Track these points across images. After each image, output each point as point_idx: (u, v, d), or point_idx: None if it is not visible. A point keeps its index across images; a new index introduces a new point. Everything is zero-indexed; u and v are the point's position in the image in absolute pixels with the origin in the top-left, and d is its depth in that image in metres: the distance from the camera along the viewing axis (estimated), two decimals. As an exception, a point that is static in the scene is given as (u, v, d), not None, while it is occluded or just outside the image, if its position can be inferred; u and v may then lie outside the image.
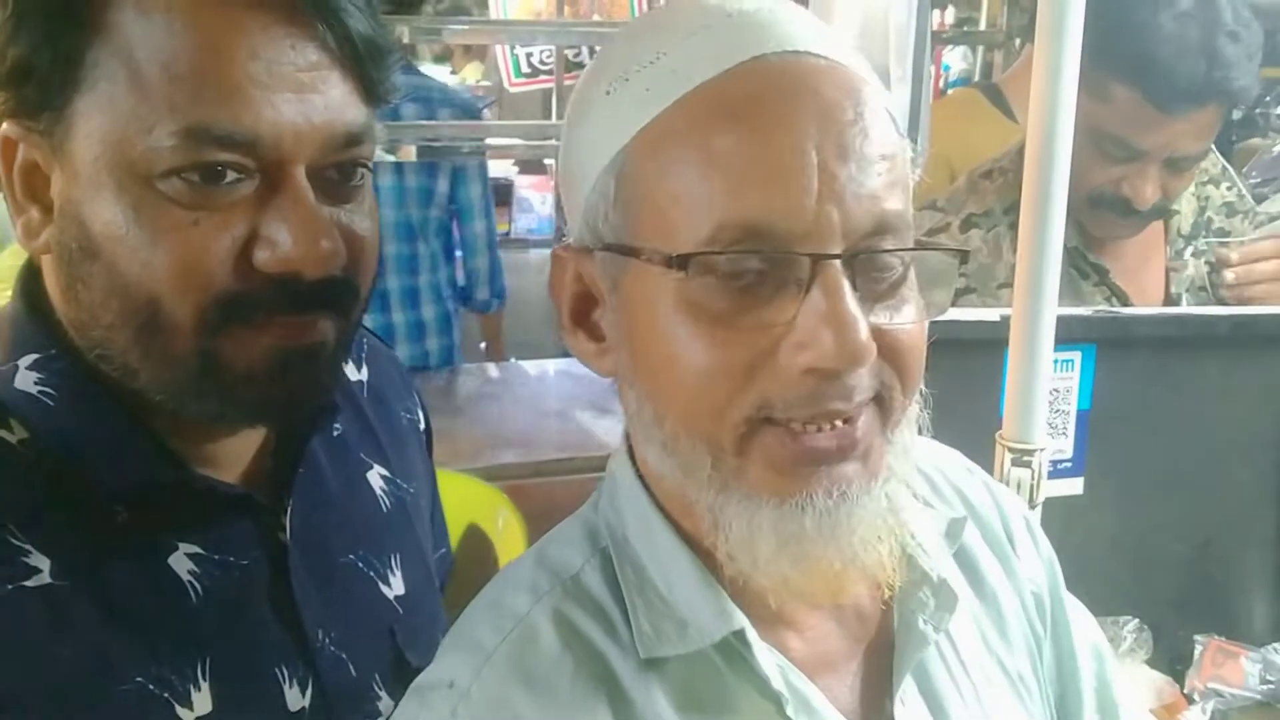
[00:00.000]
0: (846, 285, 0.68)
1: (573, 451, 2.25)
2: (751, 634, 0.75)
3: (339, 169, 0.82)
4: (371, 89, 0.84)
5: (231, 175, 0.77)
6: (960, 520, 0.86)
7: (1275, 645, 1.59)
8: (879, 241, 0.70)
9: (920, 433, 0.78)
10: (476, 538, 1.90)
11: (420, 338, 2.98)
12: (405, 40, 2.44)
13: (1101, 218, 1.73)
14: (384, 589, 0.99)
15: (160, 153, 0.76)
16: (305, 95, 0.78)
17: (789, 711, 0.75)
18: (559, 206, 3.04)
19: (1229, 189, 1.91)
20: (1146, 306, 1.82)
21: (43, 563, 0.78)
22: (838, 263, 0.68)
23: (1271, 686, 1.54)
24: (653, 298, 0.71)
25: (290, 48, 0.78)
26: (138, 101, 0.76)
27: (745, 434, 0.70)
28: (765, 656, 0.75)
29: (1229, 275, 1.78)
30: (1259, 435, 1.68)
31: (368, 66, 0.82)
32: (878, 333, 0.70)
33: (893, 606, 0.82)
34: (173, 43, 0.76)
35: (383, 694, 0.94)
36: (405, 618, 0.99)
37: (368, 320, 2.85)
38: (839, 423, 0.70)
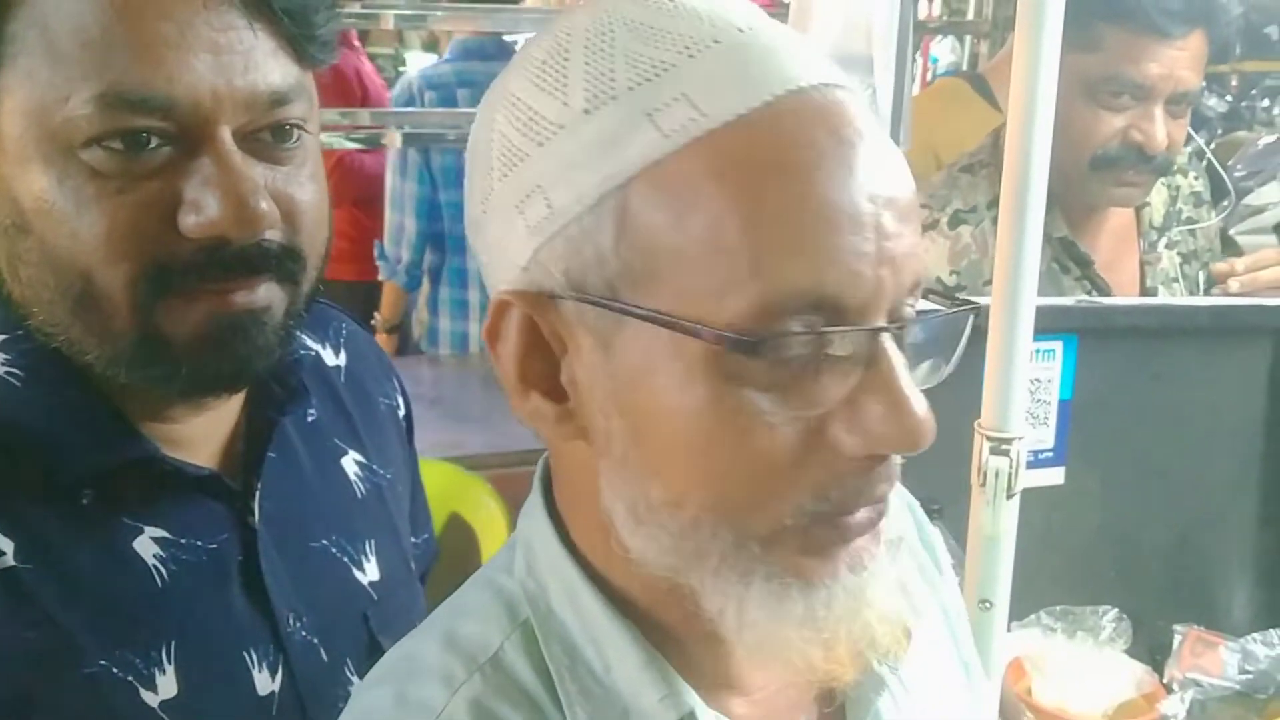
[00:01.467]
0: (900, 359, 0.60)
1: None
2: (702, 714, 0.67)
3: (272, 131, 0.81)
4: (299, 47, 0.81)
5: (154, 141, 0.76)
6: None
7: (1254, 635, 1.59)
8: (913, 299, 0.63)
9: None
10: (459, 527, 1.90)
11: None
12: (390, 26, 2.43)
13: (1104, 181, 1.73)
14: (357, 574, 0.98)
15: (78, 121, 0.75)
16: (222, 56, 0.77)
17: None
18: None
19: (1195, 178, 1.93)
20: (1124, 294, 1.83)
21: (6, 545, 0.77)
22: (891, 335, 0.60)
23: (1250, 676, 1.54)
24: (674, 369, 0.60)
25: (203, 6, 0.76)
26: (54, 71, 0.75)
27: (791, 527, 0.61)
28: None
29: (1234, 285, 1.80)
30: (1240, 425, 1.68)
31: (290, 24, 0.80)
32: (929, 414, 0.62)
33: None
34: (83, 7, 0.75)
35: (355, 679, 0.94)
36: (379, 603, 0.99)
37: (446, 295, 2.71)
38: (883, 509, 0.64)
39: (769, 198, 0.58)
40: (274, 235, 0.80)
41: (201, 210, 0.77)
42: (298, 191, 0.82)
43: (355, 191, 3.27)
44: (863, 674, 0.72)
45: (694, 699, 0.67)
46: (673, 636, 0.68)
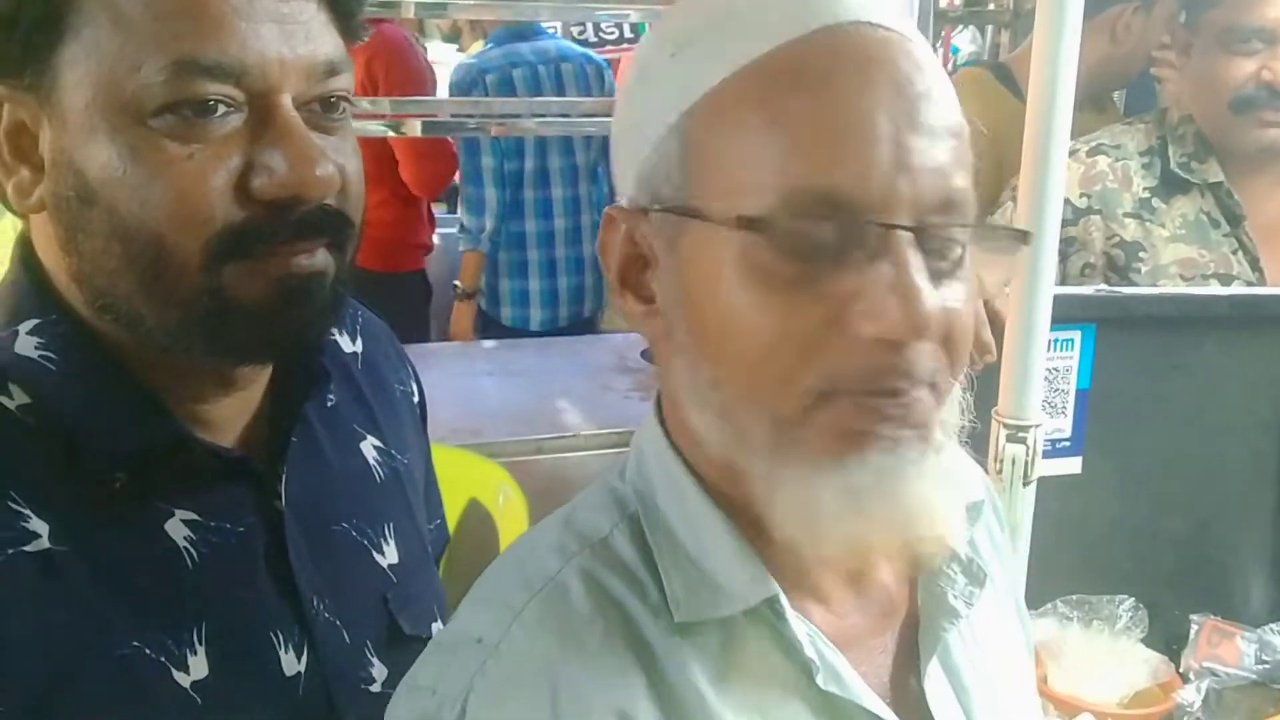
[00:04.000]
0: (915, 257, 0.67)
1: (574, 429, 2.25)
2: (785, 601, 0.75)
3: (321, 103, 0.84)
4: (344, 22, 0.86)
5: (222, 108, 0.79)
6: (979, 504, 0.86)
7: (1271, 625, 1.60)
8: (946, 217, 0.69)
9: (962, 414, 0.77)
10: (478, 513, 1.91)
11: (580, 271, 3.34)
12: (410, 15, 2.44)
13: (1248, 124, 1.81)
14: (377, 557, 0.99)
15: (151, 89, 0.77)
16: (286, 26, 0.80)
17: (819, 680, 0.75)
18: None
19: None
20: (1278, 279, 1.87)
21: (41, 528, 0.78)
22: (908, 234, 0.67)
23: (1267, 666, 1.55)
24: (715, 260, 0.70)
25: None
26: (124, 42, 0.77)
27: (810, 406, 0.69)
28: (797, 624, 0.75)
29: None
30: (1258, 416, 1.68)
31: (341, 1, 0.85)
32: (940, 310, 0.69)
33: (917, 585, 0.83)
34: None
35: (375, 660, 0.95)
36: (398, 586, 1.00)
37: (505, 258, 3.14)
38: (904, 401, 0.69)
39: (792, 112, 0.68)
40: (332, 200, 0.83)
41: (273, 173, 0.80)
42: (346, 160, 0.85)
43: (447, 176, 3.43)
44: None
45: (777, 587, 0.75)
46: (763, 535, 0.75)
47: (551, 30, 3.61)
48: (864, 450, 0.69)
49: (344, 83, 0.85)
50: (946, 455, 0.73)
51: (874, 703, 0.77)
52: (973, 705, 0.83)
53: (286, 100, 0.81)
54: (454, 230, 3.59)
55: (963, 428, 0.77)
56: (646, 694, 0.72)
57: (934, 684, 0.81)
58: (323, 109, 0.84)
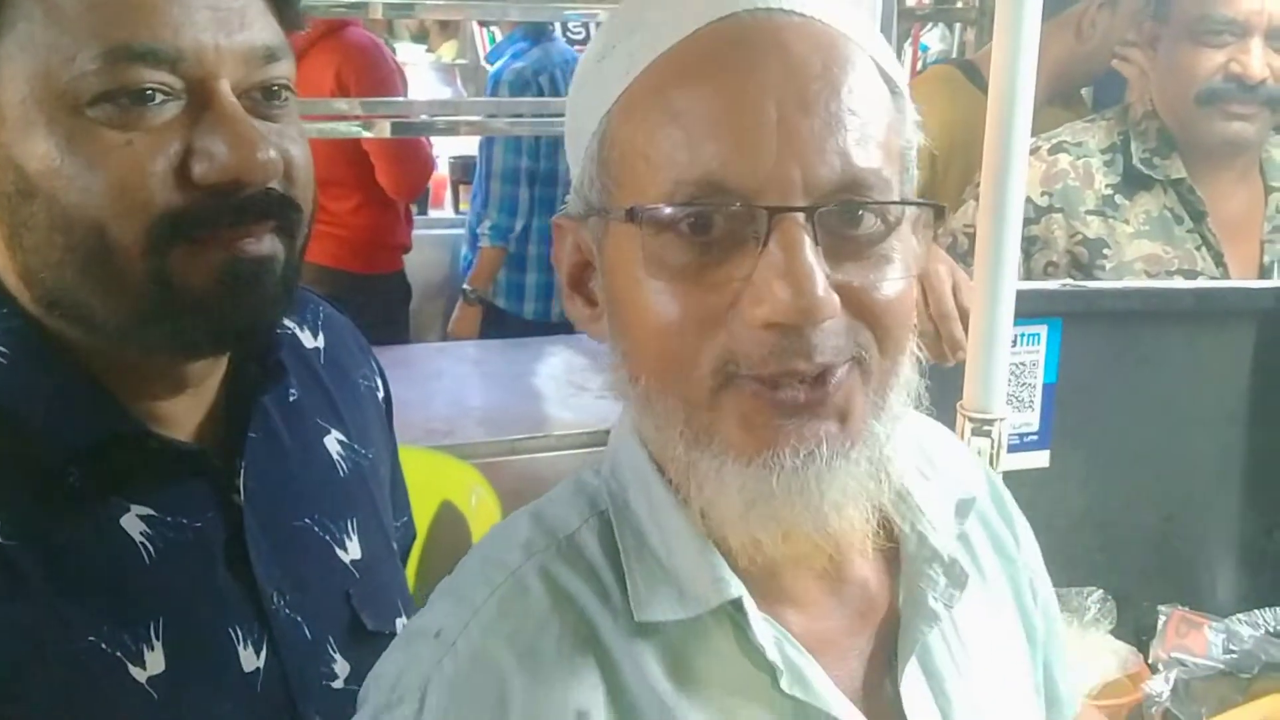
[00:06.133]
0: (806, 239, 0.67)
1: (546, 429, 2.25)
2: (749, 604, 0.74)
3: (263, 91, 0.84)
4: (282, 10, 0.86)
5: (160, 96, 0.79)
6: (969, 501, 0.85)
7: (1239, 615, 1.61)
8: (847, 197, 0.69)
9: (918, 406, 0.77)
10: (451, 515, 1.91)
11: None
12: (379, 16, 2.43)
13: (1213, 116, 1.82)
14: (340, 553, 0.99)
15: (86, 79, 0.77)
16: (220, 12, 0.81)
17: (783, 684, 0.74)
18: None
19: None
20: (1242, 273, 1.88)
21: None
22: (797, 216, 0.67)
23: (1234, 656, 1.55)
24: (625, 257, 0.72)
25: None
26: (58, 33, 0.77)
27: (714, 388, 0.70)
28: (761, 627, 0.74)
29: None
30: (1224, 408, 1.69)
31: None
32: (848, 290, 0.69)
33: (898, 585, 0.82)
34: None
35: (337, 656, 0.95)
36: (361, 582, 1.00)
37: (532, 251, 3.38)
38: (810, 380, 0.69)
39: (683, 103, 0.69)
40: (277, 185, 0.83)
41: (213, 157, 0.80)
42: (291, 146, 0.85)
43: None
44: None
45: (741, 589, 0.74)
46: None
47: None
48: (775, 448, 0.69)
49: (284, 70, 0.85)
50: (878, 449, 0.73)
51: (842, 708, 0.75)
52: (952, 709, 0.81)
53: (224, 86, 0.81)
54: (430, 231, 3.61)
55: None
56: (604, 696, 0.72)
57: (911, 687, 0.79)
58: (264, 97, 0.84)
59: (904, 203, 0.73)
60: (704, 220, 0.69)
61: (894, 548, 0.82)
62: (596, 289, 0.78)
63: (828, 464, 0.69)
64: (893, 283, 0.71)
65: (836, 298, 0.68)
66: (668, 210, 0.69)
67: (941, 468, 0.88)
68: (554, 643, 0.73)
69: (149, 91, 0.78)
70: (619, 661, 0.73)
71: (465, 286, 3.48)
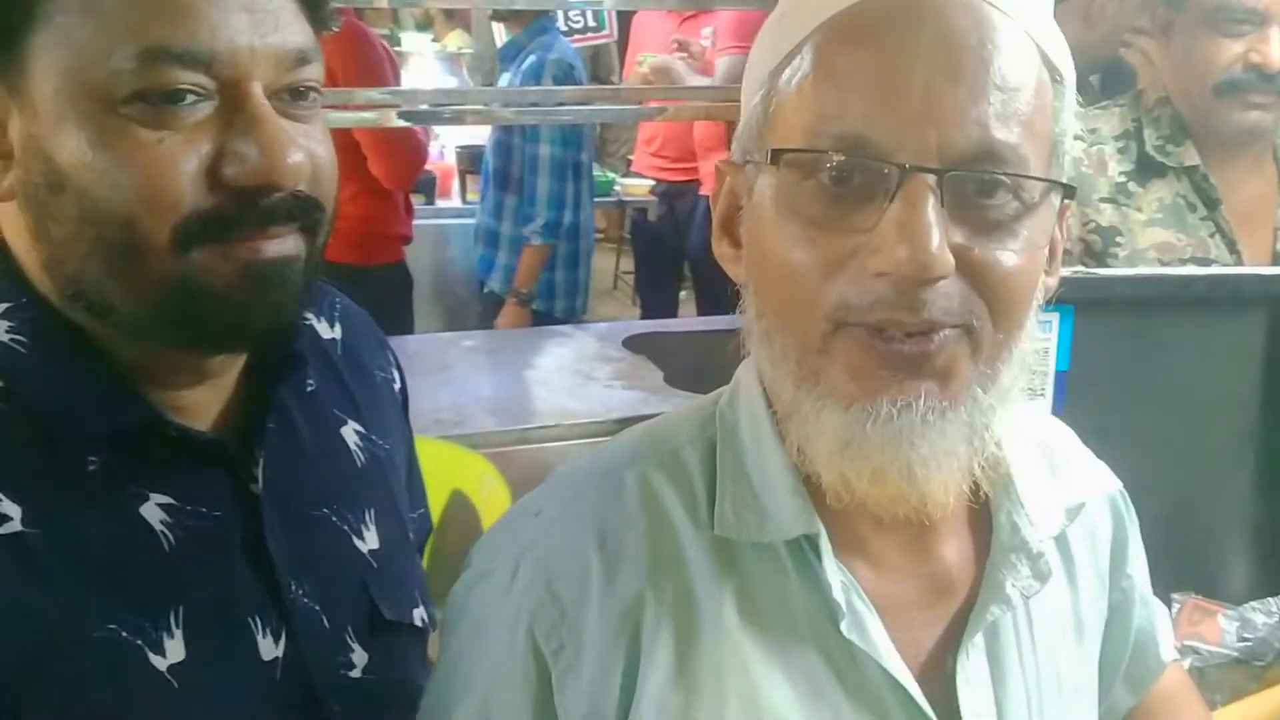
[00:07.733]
0: (930, 199, 0.70)
1: (556, 418, 2.25)
2: (825, 543, 0.78)
3: (291, 92, 0.84)
4: (314, 12, 0.86)
5: (191, 97, 0.79)
6: (1078, 507, 0.88)
7: (1253, 603, 1.60)
8: (977, 167, 0.71)
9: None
10: (462, 504, 1.91)
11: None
12: (384, 6, 2.42)
13: (1231, 106, 1.81)
14: (357, 543, 0.99)
15: (121, 76, 0.77)
16: (256, 14, 0.81)
17: (843, 627, 0.78)
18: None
19: None
20: (1256, 261, 1.87)
21: (13, 510, 0.78)
22: (927, 177, 0.70)
23: (1248, 644, 1.55)
24: (766, 202, 0.76)
25: None
26: (95, 29, 0.77)
27: (827, 332, 0.74)
28: (832, 568, 0.78)
29: None
30: (1236, 395, 1.69)
31: None
32: (967, 256, 0.71)
33: (983, 573, 0.83)
34: None
35: (355, 646, 0.95)
36: (379, 572, 1.00)
37: (561, 249, 3.44)
38: (915, 335, 0.72)
39: (838, 61, 0.73)
40: (304, 187, 0.84)
41: (245, 160, 0.80)
42: (317, 148, 0.86)
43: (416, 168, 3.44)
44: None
45: (820, 528, 0.79)
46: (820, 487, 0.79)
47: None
48: (874, 397, 0.72)
49: (314, 72, 0.85)
50: (983, 416, 0.75)
51: (894, 663, 0.78)
52: (1007, 697, 0.83)
53: (257, 88, 0.81)
54: (436, 221, 3.60)
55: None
56: (671, 595, 0.78)
57: (970, 664, 0.81)
58: (292, 98, 0.84)
59: (1028, 177, 0.73)
60: (844, 172, 0.72)
61: (988, 537, 0.84)
62: (742, 232, 0.82)
63: (922, 418, 0.72)
64: (1014, 256, 0.73)
65: (951, 259, 0.70)
66: (807, 156, 0.73)
67: (1061, 471, 0.91)
68: (638, 539, 0.79)
69: (182, 92, 0.78)
70: (691, 568, 0.79)
71: (520, 289, 3.42)
